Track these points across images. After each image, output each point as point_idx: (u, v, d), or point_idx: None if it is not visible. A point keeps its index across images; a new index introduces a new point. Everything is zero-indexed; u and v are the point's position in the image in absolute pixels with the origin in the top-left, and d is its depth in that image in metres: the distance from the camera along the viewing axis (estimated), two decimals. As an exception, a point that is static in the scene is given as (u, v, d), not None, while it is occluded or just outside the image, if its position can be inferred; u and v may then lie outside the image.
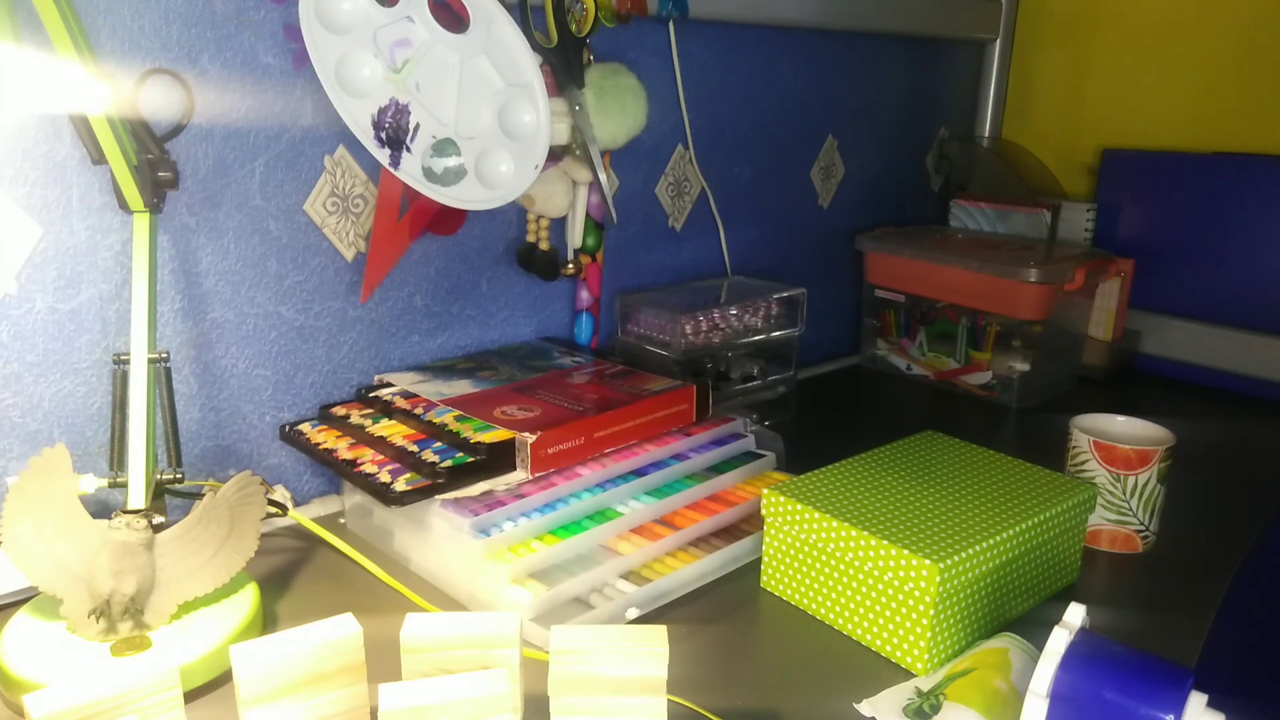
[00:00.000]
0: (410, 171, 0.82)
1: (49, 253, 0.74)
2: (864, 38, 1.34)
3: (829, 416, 1.19)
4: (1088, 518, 0.79)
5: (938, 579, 0.64)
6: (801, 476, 0.78)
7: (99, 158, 0.71)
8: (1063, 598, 0.78)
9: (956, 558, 0.65)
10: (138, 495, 0.66)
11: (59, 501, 0.63)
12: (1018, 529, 0.70)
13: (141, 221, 0.73)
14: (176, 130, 0.77)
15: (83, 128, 0.71)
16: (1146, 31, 1.41)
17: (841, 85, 1.34)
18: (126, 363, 0.70)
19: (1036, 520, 0.72)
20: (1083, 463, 0.85)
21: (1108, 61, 1.46)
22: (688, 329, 1.03)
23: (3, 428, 0.75)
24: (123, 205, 0.74)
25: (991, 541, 0.68)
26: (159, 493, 0.70)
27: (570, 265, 1.04)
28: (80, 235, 0.75)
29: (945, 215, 1.49)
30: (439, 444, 0.79)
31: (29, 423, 0.76)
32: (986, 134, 1.57)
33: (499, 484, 0.77)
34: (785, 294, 1.11)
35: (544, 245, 1.02)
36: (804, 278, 1.35)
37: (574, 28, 0.95)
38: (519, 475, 0.77)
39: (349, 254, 0.90)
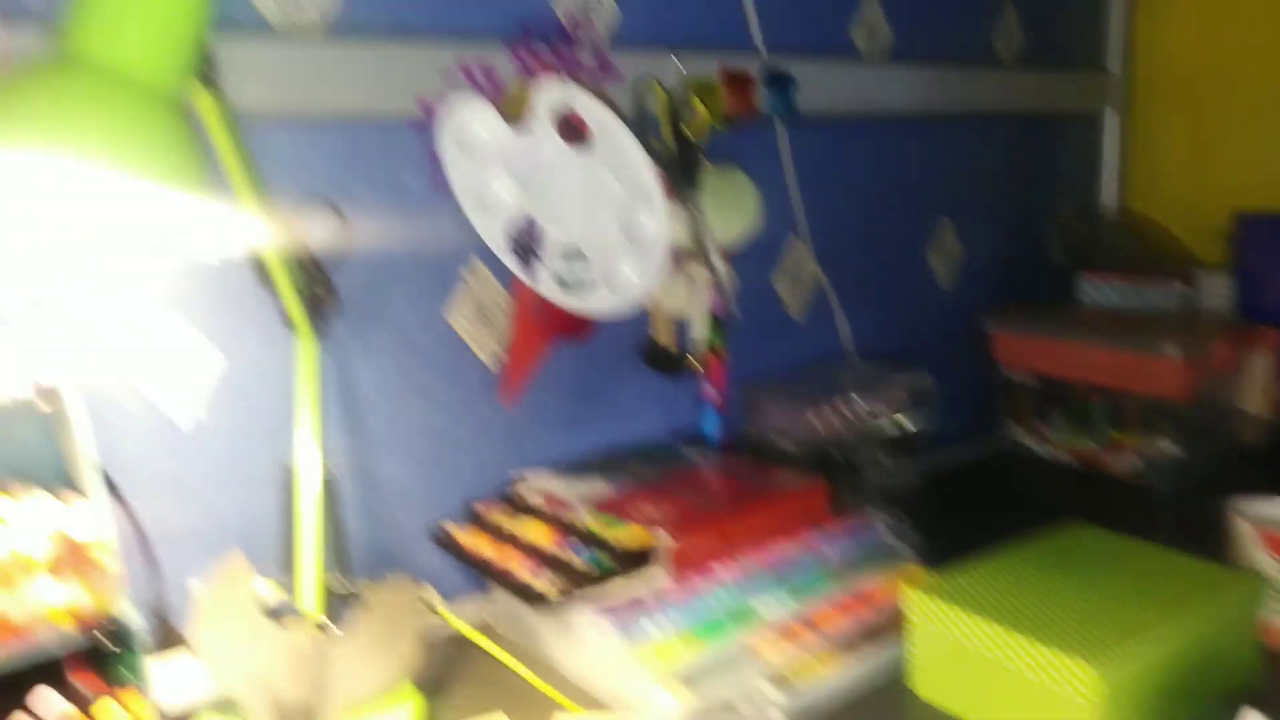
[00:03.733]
0: (542, 280, 0.86)
1: (228, 375, 0.81)
2: (972, 119, 1.35)
3: (966, 506, 1.16)
4: (1259, 613, 0.74)
5: (1098, 683, 0.61)
6: (944, 574, 0.76)
7: (266, 281, 0.78)
8: (1237, 703, 0.73)
9: (1116, 660, 0.62)
10: (308, 601, 0.70)
11: (240, 608, 0.68)
12: (1177, 627, 0.66)
13: (307, 343, 0.79)
14: (335, 255, 0.84)
15: (257, 261, 0.78)
16: (1270, 87, 1.36)
17: (953, 167, 1.34)
18: (295, 474, 0.75)
19: (1197, 617, 0.68)
20: (1248, 552, 0.80)
21: (1231, 121, 1.41)
22: (815, 420, 1.03)
23: (185, 538, 0.81)
24: (291, 328, 0.80)
25: (1152, 643, 0.65)
26: (327, 598, 0.74)
27: (695, 361, 1.06)
28: (255, 358, 0.82)
29: (1074, 291, 1.45)
30: (580, 545, 0.81)
31: (209, 532, 0.81)
32: (1109, 205, 1.53)
33: (640, 585, 0.78)
34: (912, 380, 1.10)
35: (669, 343, 1.05)
36: (930, 362, 1.33)
37: (688, 134, 0.99)
38: (659, 575, 0.78)
39: (489, 361, 0.95)
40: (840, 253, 1.23)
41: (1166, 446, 1.17)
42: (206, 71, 0.61)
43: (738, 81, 1.02)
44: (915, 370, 1.11)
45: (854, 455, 1.09)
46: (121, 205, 0.55)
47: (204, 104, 0.62)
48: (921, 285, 1.34)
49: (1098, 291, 1.41)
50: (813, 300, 1.21)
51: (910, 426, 1.11)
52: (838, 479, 0.90)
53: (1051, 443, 1.28)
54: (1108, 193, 1.53)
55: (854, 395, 1.07)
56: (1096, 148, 1.53)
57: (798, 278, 1.19)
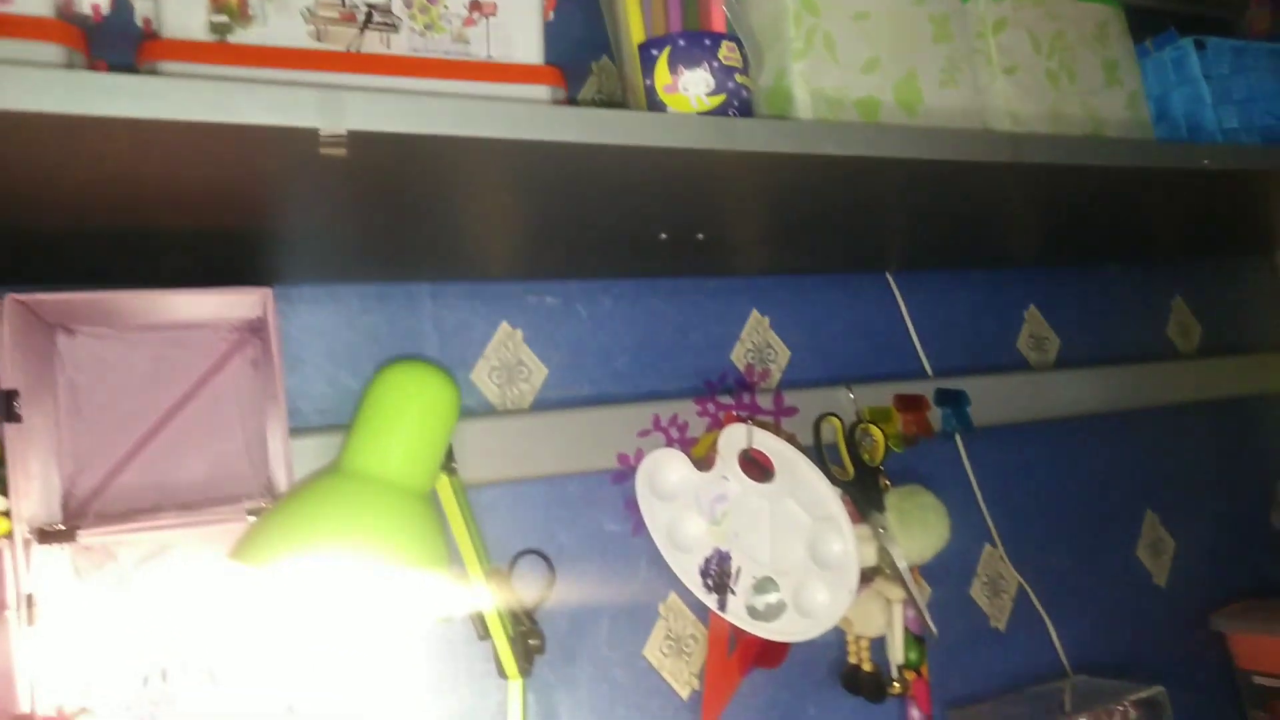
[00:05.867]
0: (735, 612, 0.90)
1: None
2: (1162, 410, 1.32)
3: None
4: None
5: None
6: None
7: (484, 634, 0.84)
8: None
9: None
10: None
11: None
12: None
13: (515, 686, 0.84)
14: (541, 600, 0.90)
15: (477, 616, 0.86)
16: None
17: (1149, 459, 1.30)
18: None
19: None
20: None
21: None
22: (1035, 749, 0.96)
23: None
24: (500, 673, 0.86)
25: None
26: None
27: (896, 684, 1.03)
28: (466, 702, 0.87)
29: (1314, 578, 1.32)
30: None
31: None
32: (1339, 481, 1.42)
33: None
34: (1141, 694, 1.02)
35: (867, 666, 1.03)
36: (1158, 670, 1.22)
37: (866, 458, 1.03)
38: None
39: (684, 693, 0.96)
40: (1040, 557, 1.19)
41: None
42: (448, 462, 0.72)
43: (910, 404, 1.07)
44: (1143, 681, 1.03)
45: (1088, 790, 0.99)
46: (376, 589, 0.64)
47: (443, 488, 0.73)
48: (1135, 584, 1.26)
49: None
50: (1016, 609, 1.17)
51: (1150, 750, 1.01)
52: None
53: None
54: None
55: (1077, 714, 0.99)
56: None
57: (997, 587, 1.16)
